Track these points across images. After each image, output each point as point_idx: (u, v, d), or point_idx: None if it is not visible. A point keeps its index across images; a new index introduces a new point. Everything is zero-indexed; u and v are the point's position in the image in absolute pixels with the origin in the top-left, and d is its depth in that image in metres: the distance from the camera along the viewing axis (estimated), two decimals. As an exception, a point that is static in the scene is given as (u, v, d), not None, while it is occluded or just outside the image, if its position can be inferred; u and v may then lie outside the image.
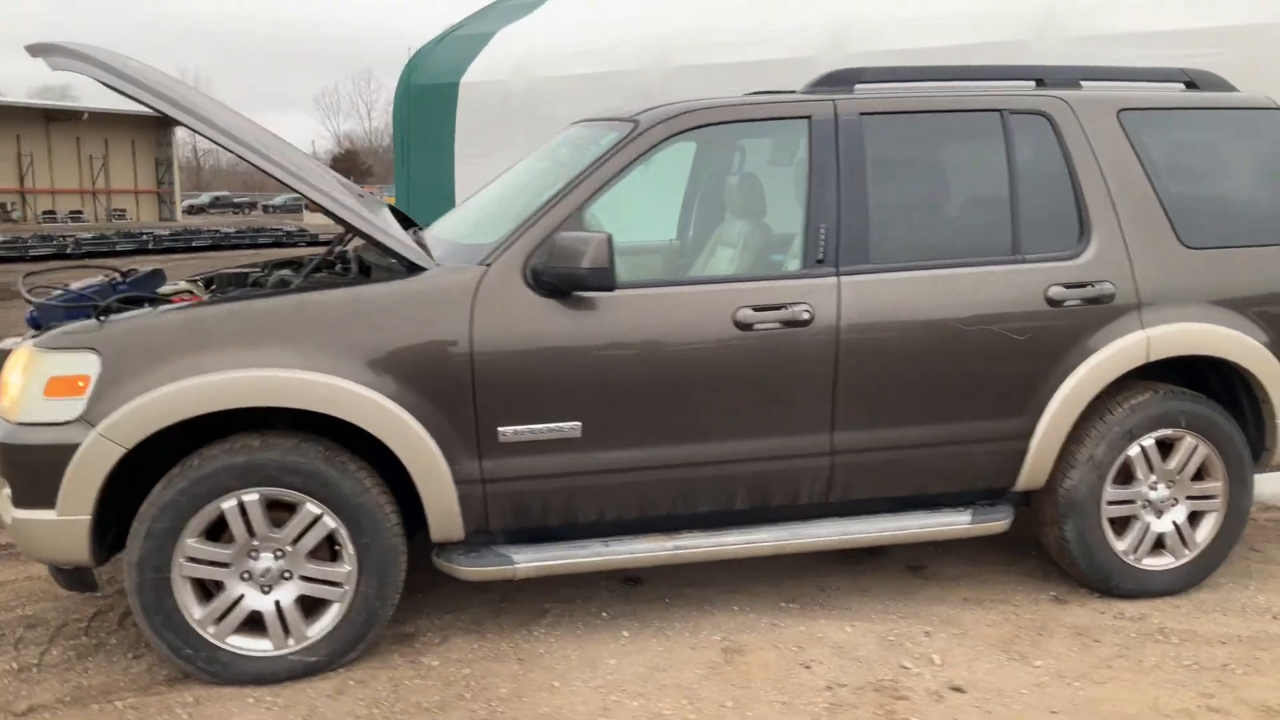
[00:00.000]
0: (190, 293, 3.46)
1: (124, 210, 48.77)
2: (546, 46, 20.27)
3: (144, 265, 3.79)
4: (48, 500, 2.92)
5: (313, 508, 3.05)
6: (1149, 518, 3.68)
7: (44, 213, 43.52)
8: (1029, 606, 3.66)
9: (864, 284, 3.36)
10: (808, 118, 3.43)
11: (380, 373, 3.03)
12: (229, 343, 2.97)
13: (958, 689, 3.07)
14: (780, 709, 2.96)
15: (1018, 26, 16.86)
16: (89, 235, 25.63)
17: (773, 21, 19.37)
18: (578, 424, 3.18)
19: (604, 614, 3.59)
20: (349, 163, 59.73)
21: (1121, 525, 3.68)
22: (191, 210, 55.53)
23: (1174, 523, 3.70)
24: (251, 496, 3.01)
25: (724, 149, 4.13)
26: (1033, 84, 3.76)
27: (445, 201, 20.35)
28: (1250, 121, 3.81)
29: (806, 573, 3.92)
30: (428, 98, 20.70)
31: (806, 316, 3.28)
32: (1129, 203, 3.57)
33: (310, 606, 3.15)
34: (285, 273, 3.58)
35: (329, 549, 3.13)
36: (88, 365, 2.91)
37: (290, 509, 3.07)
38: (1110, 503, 3.62)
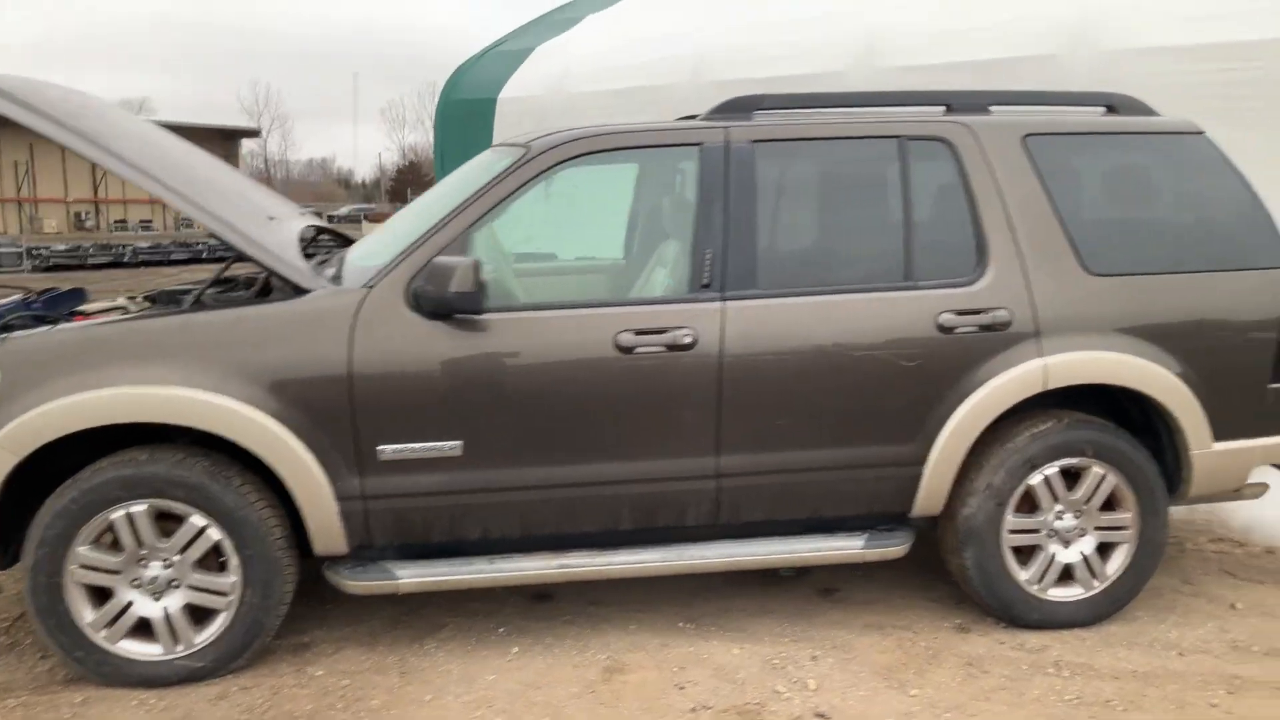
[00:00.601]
0: (111, 310, 3.62)
1: (150, 221, 50.32)
2: (582, 62, 20.51)
3: (124, 279, 4.00)
4: (-50, 504, 3.09)
5: (198, 519, 3.18)
6: (1054, 548, 3.63)
7: (116, 222, 45.17)
8: (929, 634, 3.63)
9: (749, 309, 3.38)
10: (699, 144, 3.48)
11: (262, 391, 3.14)
12: (118, 360, 3.12)
13: (822, 715, 3.07)
14: (638, 733, 2.99)
15: (1050, 41, 16.57)
16: (146, 245, 26.57)
17: (804, 37, 19.30)
18: (459, 443, 3.26)
19: (501, 630, 3.65)
20: (412, 175, 60.94)
21: (1026, 555, 3.63)
22: (256, 221, 56.94)
23: (1082, 553, 3.65)
24: (139, 508, 3.15)
25: (652, 174, 4.17)
26: (942, 109, 3.74)
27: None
28: (1166, 146, 3.74)
29: (715, 593, 3.93)
30: (466, 113, 21.09)
31: (688, 341, 3.31)
32: (1030, 229, 3.54)
33: (200, 614, 3.28)
34: (212, 291, 3.73)
35: (216, 560, 3.25)
36: (-14, 379, 3.08)
37: (180, 520, 3.20)
38: (1012, 531, 3.58)
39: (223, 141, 51.45)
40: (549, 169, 3.39)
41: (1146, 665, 3.40)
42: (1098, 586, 3.66)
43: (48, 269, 22.49)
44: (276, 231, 3.61)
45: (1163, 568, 4.17)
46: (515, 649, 3.51)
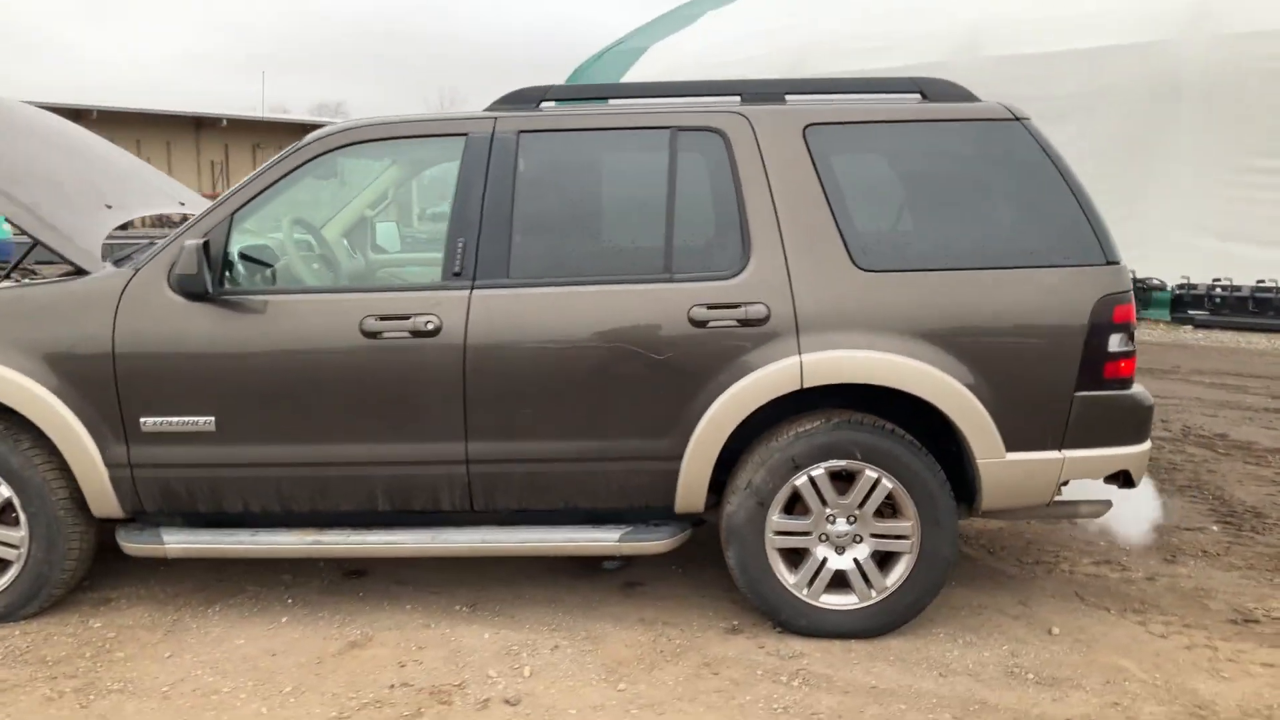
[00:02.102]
0: None
1: None
2: (690, 59, 20.54)
3: None
4: None
5: (-13, 478, 3.51)
6: (825, 553, 3.49)
7: None
8: (693, 633, 3.56)
9: (496, 298, 3.42)
10: (464, 135, 3.53)
11: (38, 363, 3.44)
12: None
13: (511, 702, 3.08)
14: (326, 699, 3.10)
15: (1160, 26, 15.42)
16: None
17: (906, 28, 18.70)
18: (211, 419, 3.45)
19: (289, 600, 3.83)
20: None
21: (795, 558, 3.51)
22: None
23: (856, 561, 3.49)
24: (-63, 465, 3.50)
25: (426, 163, 4.25)
26: (737, 99, 3.65)
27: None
28: (970, 134, 3.51)
29: (515, 581, 3.98)
30: (577, 113, 21.38)
31: (431, 327, 3.38)
32: (798, 222, 3.41)
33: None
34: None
35: (11, 515, 3.57)
36: None
37: (-21, 478, 3.54)
38: (779, 533, 3.47)
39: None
40: (316, 157, 3.53)
41: (893, 683, 3.22)
42: (875, 597, 3.49)
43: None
44: (95, 219, 3.89)
45: (1010, 586, 3.96)
46: (286, 618, 3.68)
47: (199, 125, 42.94)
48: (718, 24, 20.85)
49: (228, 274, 3.50)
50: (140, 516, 3.63)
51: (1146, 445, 3.51)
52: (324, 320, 3.43)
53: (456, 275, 3.44)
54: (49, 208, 3.69)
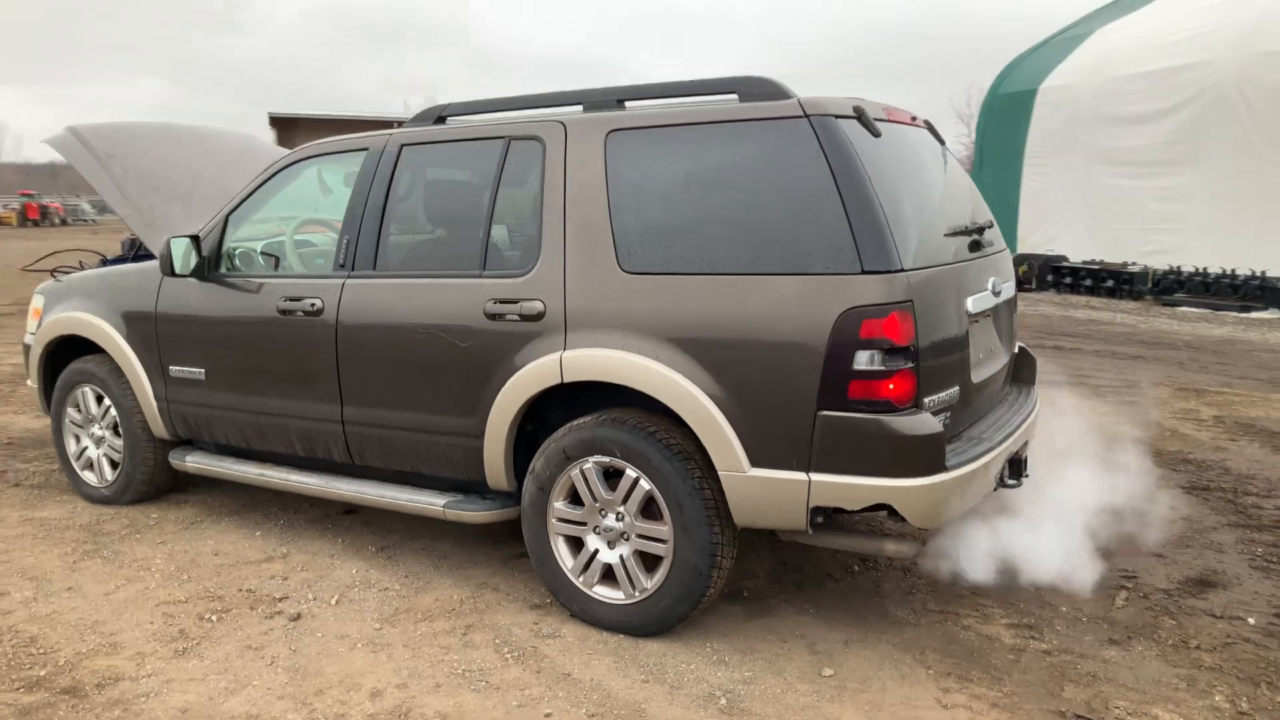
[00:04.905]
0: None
1: None
2: (1128, 42, 18.71)
3: None
4: None
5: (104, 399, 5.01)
6: (598, 544, 3.60)
7: None
8: (501, 601, 3.88)
9: (359, 286, 4.06)
10: (365, 149, 4.21)
11: (120, 320, 4.82)
12: (70, 298, 5.06)
13: (292, 618, 3.73)
14: (207, 585, 4.01)
15: None
16: None
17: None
18: (202, 370, 4.56)
19: (272, 524, 4.83)
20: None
21: (577, 546, 3.67)
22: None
23: (621, 557, 3.55)
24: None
25: (350, 172, 4.80)
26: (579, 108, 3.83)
27: (1009, 212, 19.91)
28: (755, 134, 3.33)
29: (445, 538, 4.57)
30: (1007, 107, 20.59)
31: (315, 308, 4.13)
32: (580, 224, 3.55)
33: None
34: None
35: (118, 431, 5.03)
36: (37, 302, 5.28)
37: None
38: (560, 520, 3.67)
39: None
40: (283, 169, 4.46)
41: (592, 678, 3.28)
42: (638, 596, 3.53)
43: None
44: (201, 219, 5.21)
45: (873, 627, 3.69)
46: (259, 533, 4.69)
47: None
48: (1167, 6, 18.16)
49: (224, 261, 4.56)
50: (188, 444, 4.88)
51: (926, 480, 3.08)
52: (259, 299, 4.35)
53: (341, 266, 4.14)
54: (162, 210, 5.09)
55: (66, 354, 5.21)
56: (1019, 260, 17.14)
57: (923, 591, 3.95)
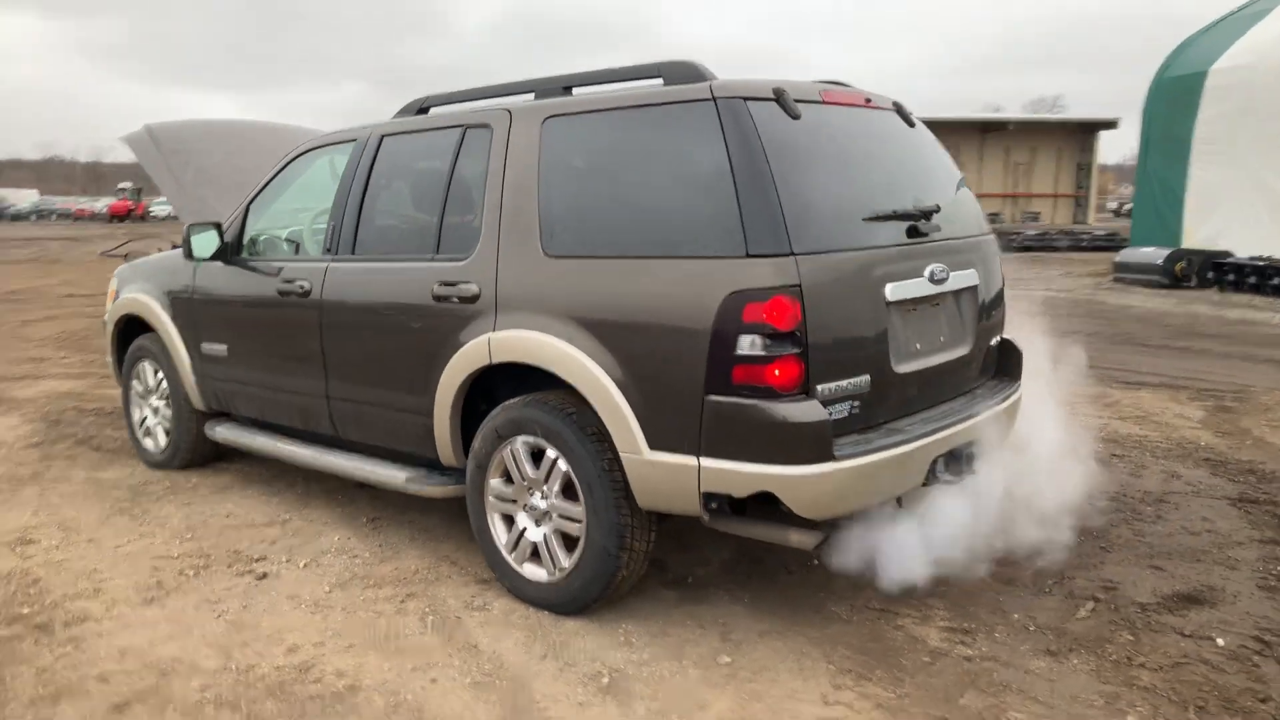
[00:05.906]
0: None
1: (1038, 213, 51.40)
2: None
3: None
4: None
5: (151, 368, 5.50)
6: (526, 522, 3.69)
7: (1025, 213, 48.26)
8: (450, 572, 4.03)
9: (339, 269, 4.30)
10: (354, 141, 4.44)
11: (165, 299, 5.28)
12: (136, 279, 5.58)
13: (258, 576, 4.01)
14: (208, 543, 4.37)
15: None
16: (1033, 233, 28.27)
17: None
18: (225, 347, 4.94)
19: (289, 492, 5.16)
20: None
21: (510, 523, 3.77)
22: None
23: (545, 536, 3.63)
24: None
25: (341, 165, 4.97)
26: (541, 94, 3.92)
27: (1174, 202, 18.60)
28: (665, 118, 3.32)
29: (431, 512, 4.78)
30: (1174, 91, 19.22)
31: (304, 289, 4.41)
32: (512, 210, 3.65)
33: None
34: None
35: (166, 401, 5.51)
36: (113, 284, 5.85)
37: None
38: (496, 497, 3.78)
39: (1081, 136, 51.06)
40: (291, 161, 4.78)
41: (495, 650, 3.37)
42: (557, 575, 3.60)
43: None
44: (230, 208, 5.62)
45: (807, 621, 3.61)
46: (276, 500, 5.03)
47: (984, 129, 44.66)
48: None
49: (246, 247, 4.91)
50: (225, 416, 5.30)
51: (811, 470, 3.00)
52: (264, 282, 4.67)
53: (328, 251, 4.40)
54: (214, 202, 5.54)
55: (133, 331, 5.75)
56: (1175, 257, 15.88)
57: (872, 589, 3.82)
